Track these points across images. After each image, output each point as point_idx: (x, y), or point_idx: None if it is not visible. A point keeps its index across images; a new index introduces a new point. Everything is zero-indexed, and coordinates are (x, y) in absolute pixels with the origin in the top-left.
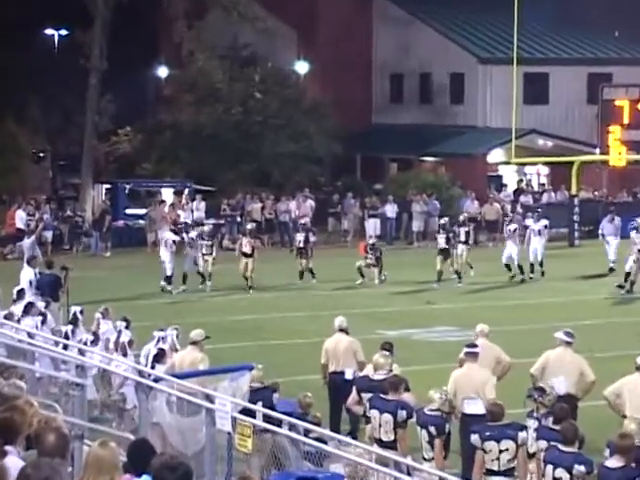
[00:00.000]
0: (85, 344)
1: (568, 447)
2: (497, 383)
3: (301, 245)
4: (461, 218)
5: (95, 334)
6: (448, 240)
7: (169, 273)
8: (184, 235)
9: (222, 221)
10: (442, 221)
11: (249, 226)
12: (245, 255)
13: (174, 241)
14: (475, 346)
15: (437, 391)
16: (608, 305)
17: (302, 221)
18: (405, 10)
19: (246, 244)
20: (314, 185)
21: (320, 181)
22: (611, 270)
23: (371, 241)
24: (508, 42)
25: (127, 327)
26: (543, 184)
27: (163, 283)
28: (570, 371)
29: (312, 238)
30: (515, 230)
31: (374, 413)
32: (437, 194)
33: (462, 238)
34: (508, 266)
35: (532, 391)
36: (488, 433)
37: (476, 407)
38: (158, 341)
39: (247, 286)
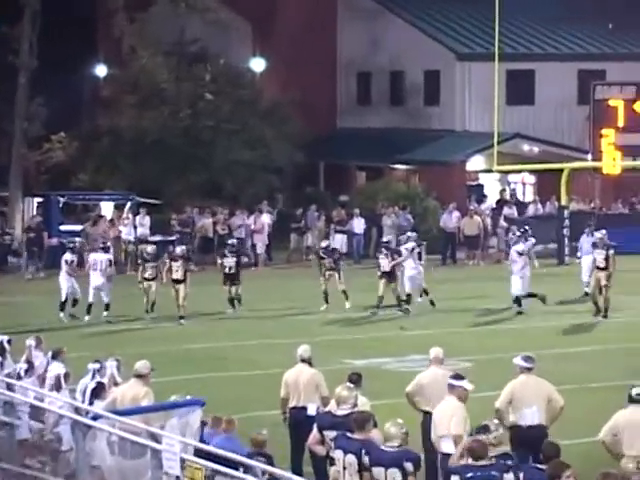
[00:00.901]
0: (19, 375)
1: None
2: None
3: (232, 271)
4: (407, 235)
5: (29, 362)
6: (393, 260)
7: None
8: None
9: (173, 237)
10: (385, 239)
11: (179, 250)
12: (176, 282)
13: (110, 261)
14: (461, 378)
15: (394, 424)
16: (600, 330)
17: (231, 241)
18: (374, 1)
19: (177, 269)
20: (272, 197)
21: (277, 197)
22: (587, 294)
23: (324, 244)
24: (489, 36)
25: (59, 359)
26: (524, 198)
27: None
28: (538, 398)
29: (244, 260)
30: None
31: (338, 454)
32: (410, 206)
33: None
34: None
35: (475, 431)
36: (470, 474)
37: (451, 445)
38: (94, 374)
39: (178, 316)
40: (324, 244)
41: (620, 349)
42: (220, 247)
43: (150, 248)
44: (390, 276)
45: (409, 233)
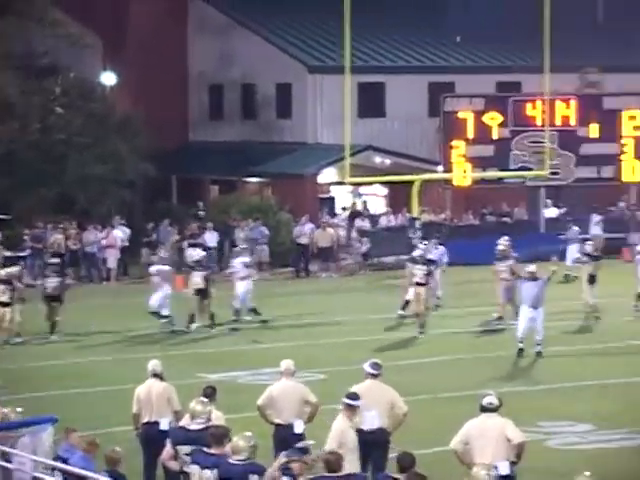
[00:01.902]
0: None
1: None
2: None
3: (55, 293)
4: (238, 248)
5: None
6: (206, 279)
7: None
8: None
9: (24, 253)
10: (196, 256)
11: (3, 272)
12: (2, 305)
13: None
14: (357, 398)
15: (242, 438)
16: (450, 341)
17: (53, 260)
18: (225, 14)
19: (3, 292)
20: (125, 211)
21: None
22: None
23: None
24: (340, 48)
25: None
26: (376, 210)
27: None
28: (381, 404)
29: (68, 281)
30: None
31: (194, 469)
32: (263, 219)
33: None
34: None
35: (290, 451)
36: None
37: None
38: None
39: (3, 341)
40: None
41: (469, 359)
42: (72, 263)
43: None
44: (204, 293)
45: (241, 246)
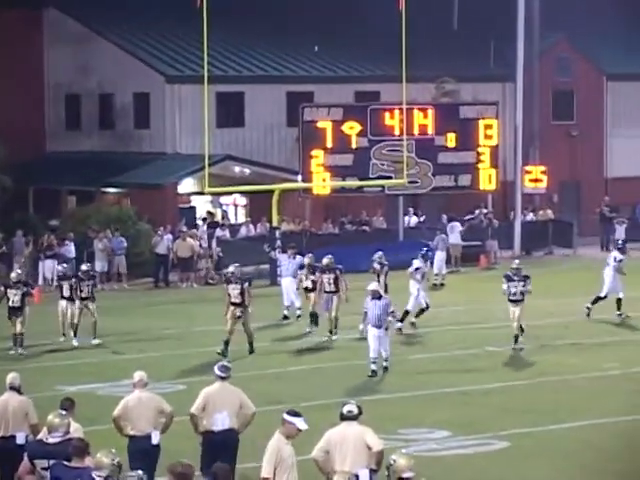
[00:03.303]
0: None
1: None
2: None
3: None
4: (84, 267)
5: None
6: (72, 290)
7: None
8: None
9: None
10: (60, 268)
11: None
12: None
13: None
14: (298, 415)
15: (106, 454)
16: (315, 351)
17: None
18: (82, 24)
19: None
20: None
21: None
22: (285, 318)
23: (84, 267)
24: (198, 58)
25: None
26: (237, 219)
27: None
28: (232, 404)
29: None
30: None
31: None
32: (122, 230)
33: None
34: None
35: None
36: None
37: None
38: None
39: None
40: (84, 267)
41: (330, 368)
42: None
43: None
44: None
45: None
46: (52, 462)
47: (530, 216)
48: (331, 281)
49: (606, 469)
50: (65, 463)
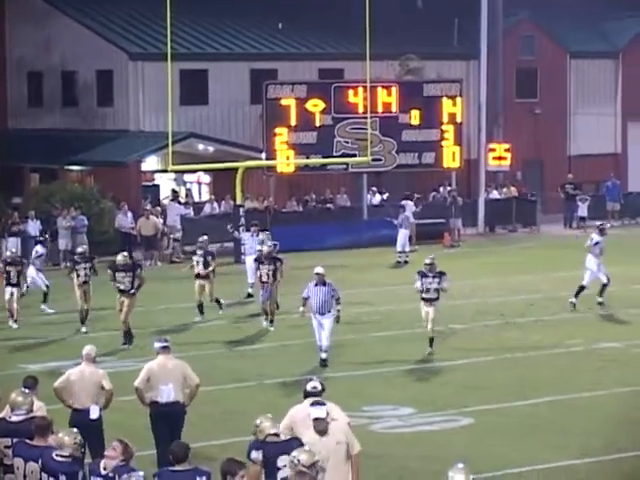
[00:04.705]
0: None
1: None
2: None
3: None
4: (80, 250)
5: None
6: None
7: None
8: None
9: None
10: (9, 253)
11: None
12: None
13: None
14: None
15: (68, 433)
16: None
17: None
18: (44, 0)
19: None
20: None
21: None
22: (250, 295)
23: (80, 249)
24: (162, 36)
25: None
26: (200, 197)
27: None
28: (176, 377)
29: None
30: None
31: (18, 462)
32: (86, 208)
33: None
34: None
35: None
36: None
37: None
38: None
39: None
40: (80, 250)
41: (294, 345)
42: None
43: None
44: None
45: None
46: (15, 440)
47: (494, 194)
48: (270, 272)
49: (569, 444)
50: (27, 441)
